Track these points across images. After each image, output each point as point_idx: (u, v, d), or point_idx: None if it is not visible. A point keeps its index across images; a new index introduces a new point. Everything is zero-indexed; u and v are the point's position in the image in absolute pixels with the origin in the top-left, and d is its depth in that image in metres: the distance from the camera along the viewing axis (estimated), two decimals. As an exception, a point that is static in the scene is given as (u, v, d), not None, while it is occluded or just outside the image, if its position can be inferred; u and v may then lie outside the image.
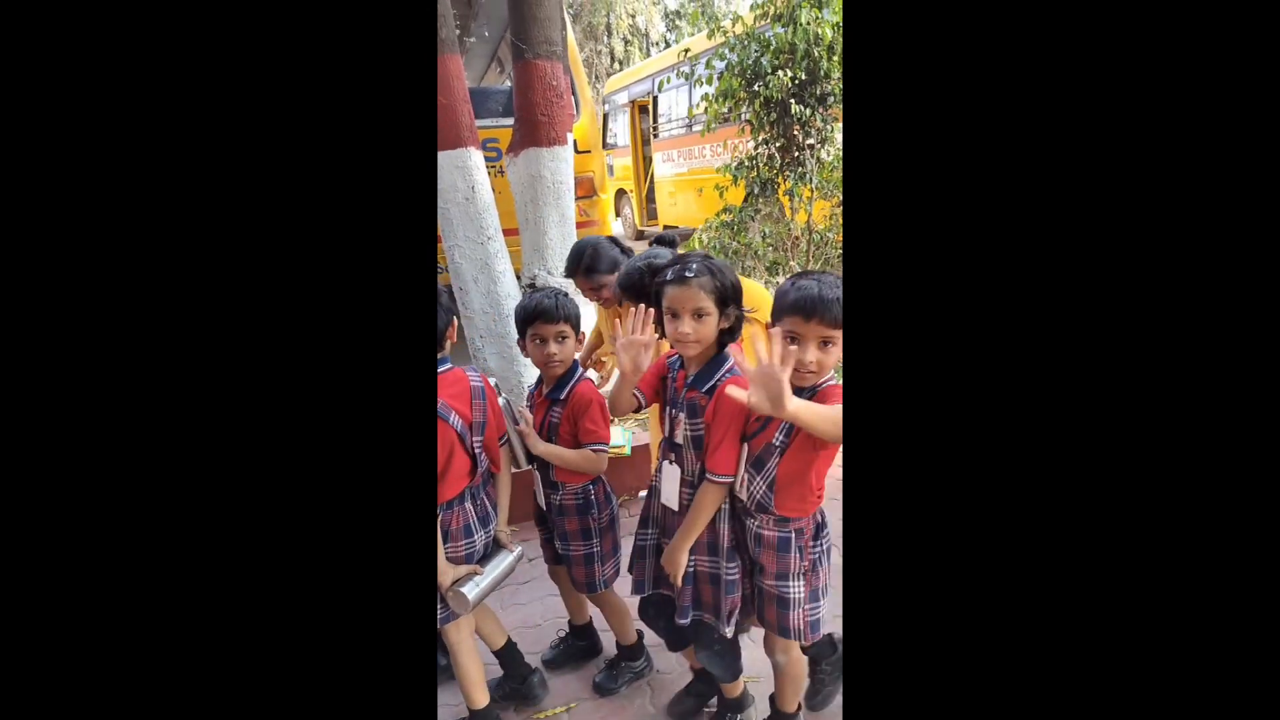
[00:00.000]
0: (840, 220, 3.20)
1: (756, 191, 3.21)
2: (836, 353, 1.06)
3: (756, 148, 3.27)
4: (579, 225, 2.62)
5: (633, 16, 18.04)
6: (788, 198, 3.20)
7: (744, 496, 1.17)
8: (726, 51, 3.17)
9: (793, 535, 1.15)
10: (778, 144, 3.18)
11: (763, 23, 3.09)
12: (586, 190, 3.86)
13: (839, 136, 3.14)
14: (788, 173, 3.16)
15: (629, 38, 18.39)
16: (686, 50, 3.97)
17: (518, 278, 2.50)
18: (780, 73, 2.87)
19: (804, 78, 2.96)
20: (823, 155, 3.15)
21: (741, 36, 3.10)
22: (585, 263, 1.67)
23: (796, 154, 3.13)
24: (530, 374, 2.42)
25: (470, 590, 1.23)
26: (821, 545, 1.19)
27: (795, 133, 3.13)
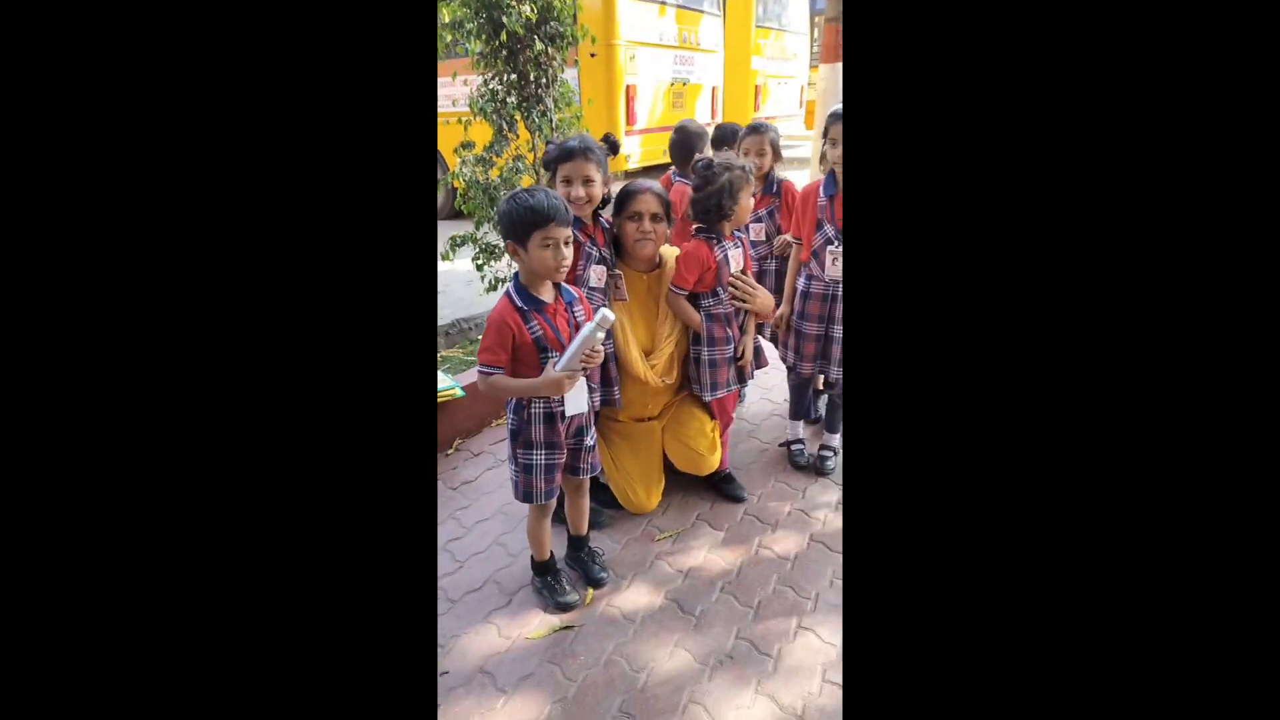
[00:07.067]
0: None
1: (505, 128, 3.24)
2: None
3: (488, 83, 3.27)
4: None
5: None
6: (530, 134, 3.31)
7: None
8: (456, -20, 3.05)
9: None
10: (513, 79, 3.23)
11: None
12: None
13: (567, 76, 3.35)
14: (527, 109, 3.26)
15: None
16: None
17: None
18: (523, 6, 2.93)
19: (537, 16, 3.06)
20: (555, 94, 3.33)
21: (475, -33, 3.01)
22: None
23: (537, 91, 3.25)
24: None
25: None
26: None
27: (528, 70, 3.23)
